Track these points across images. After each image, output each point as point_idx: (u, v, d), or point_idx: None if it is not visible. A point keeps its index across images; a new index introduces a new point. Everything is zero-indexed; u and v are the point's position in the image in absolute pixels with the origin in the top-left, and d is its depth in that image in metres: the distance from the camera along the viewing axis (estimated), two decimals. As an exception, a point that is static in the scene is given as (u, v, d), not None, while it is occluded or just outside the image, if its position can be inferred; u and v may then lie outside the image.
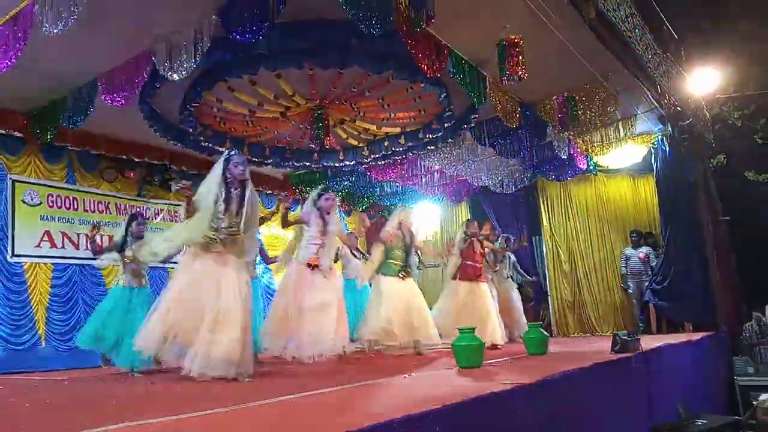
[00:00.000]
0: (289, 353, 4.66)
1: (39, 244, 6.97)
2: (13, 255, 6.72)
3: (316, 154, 8.21)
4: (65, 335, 6.92)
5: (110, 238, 6.39)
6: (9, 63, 4.72)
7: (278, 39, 5.09)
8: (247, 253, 4.10)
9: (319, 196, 5.27)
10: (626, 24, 6.03)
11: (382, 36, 4.64)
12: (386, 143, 7.97)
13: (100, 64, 5.60)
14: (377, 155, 8.18)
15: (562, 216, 9.89)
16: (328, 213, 5.22)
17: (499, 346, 6.27)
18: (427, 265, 8.08)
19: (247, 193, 4.01)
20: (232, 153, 4.16)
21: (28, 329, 6.65)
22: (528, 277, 9.03)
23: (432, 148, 7.99)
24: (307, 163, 8.42)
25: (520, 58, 5.24)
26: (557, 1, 4.97)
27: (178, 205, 7.53)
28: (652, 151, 8.38)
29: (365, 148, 8.16)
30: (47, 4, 4.16)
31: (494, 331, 6.33)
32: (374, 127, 7.65)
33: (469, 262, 6.66)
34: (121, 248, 5.31)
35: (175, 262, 5.34)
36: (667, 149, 8.17)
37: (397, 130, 7.78)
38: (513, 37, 5.26)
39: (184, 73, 5.07)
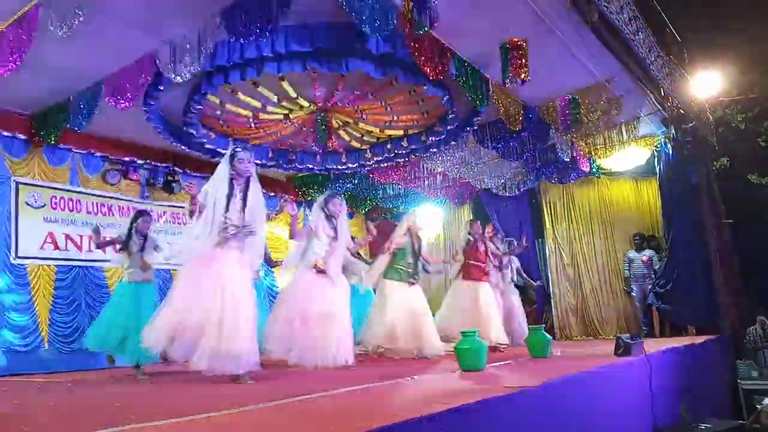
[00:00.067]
0: (291, 360, 4.63)
1: (42, 246, 6.97)
2: (17, 257, 6.72)
3: (319, 156, 8.24)
4: (68, 337, 6.91)
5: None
6: (14, 65, 4.75)
7: (281, 41, 5.12)
8: (252, 250, 4.08)
9: (327, 201, 5.21)
10: (629, 27, 6.02)
11: (386, 39, 4.65)
12: (389, 146, 7.99)
13: (104, 66, 5.62)
14: (380, 158, 8.20)
15: (565, 219, 9.88)
16: (336, 218, 5.18)
17: (501, 349, 6.27)
18: (431, 272, 8.06)
19: (252, 188, 4.03)
20: (237, 149, 4.16)
21: (32, 331, 6.63)
22: (532, 281, 8.99)
23: (435, 150, 8.00)
24: (311, 166, 8.44)
25: (524, 60, 5.25)
26: (560, 3, 4.97)
27: (182, 207, 7.54)
28: (655, 153, 8.37)
29: (368, 150, 8.18)
30: (52, 6, 4.18)
31: (497, 332, 6.32)
32: (377, 130, 7.67)
33: (474, 262, 6.66)
34: (125, 244, 5.30)
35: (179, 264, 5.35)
36: (670, 152, 8.16)
37: (400, 132, 7.79)
38: (516, 39, 5.26)
39: (187, 75, 5.09)
